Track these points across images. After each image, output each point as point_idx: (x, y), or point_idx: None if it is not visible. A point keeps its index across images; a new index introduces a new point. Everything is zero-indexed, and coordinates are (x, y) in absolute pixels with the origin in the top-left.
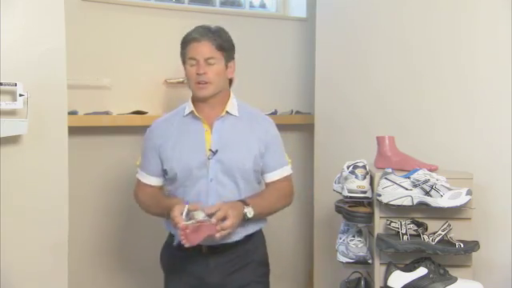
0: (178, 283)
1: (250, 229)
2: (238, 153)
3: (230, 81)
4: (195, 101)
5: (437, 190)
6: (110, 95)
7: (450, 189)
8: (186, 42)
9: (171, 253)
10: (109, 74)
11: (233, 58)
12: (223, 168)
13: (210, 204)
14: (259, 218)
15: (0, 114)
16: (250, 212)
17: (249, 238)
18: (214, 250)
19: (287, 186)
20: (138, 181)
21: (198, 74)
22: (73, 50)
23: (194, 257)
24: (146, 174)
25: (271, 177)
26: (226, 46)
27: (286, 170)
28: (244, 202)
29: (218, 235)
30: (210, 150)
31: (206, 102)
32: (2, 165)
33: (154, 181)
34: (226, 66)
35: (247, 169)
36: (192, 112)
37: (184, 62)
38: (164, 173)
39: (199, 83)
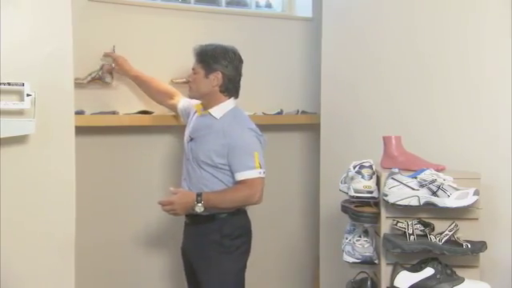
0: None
1: (214, 210)
2: (199, 145)
3: (227, 90)
4: None
5: (444, 190)
6: (117, 95)
7: (457, 189)
8: None
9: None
10: (115, 73)
11: (215, 71)
12: (192, 153)
13: (183, 176)
14: (215, 210)
15: (8, 114)
16: (199, 208)
17: (210, 218)
18: (189, 220)
19: (245, 189)
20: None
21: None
22: (79, 50)
23: (185, 227)
24: (185, 99)
25: (235, 177)
26: (205, 60)
27: (248, 175)
28: (199, 197)
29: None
30: (189, 136)
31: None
32: (9, 164)
33: (182, 100)
34: (207, 77)
35: (203, 160)
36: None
37: None
38: None
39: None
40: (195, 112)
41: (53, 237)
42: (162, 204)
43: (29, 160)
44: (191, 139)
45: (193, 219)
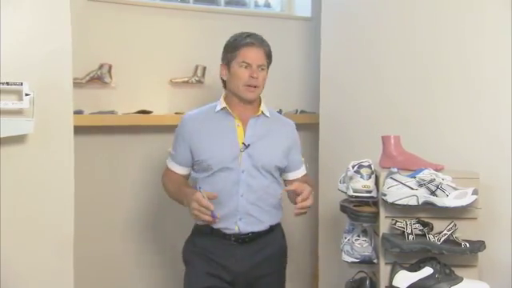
0: (201, 270)
1: (274, 219)
2: (267, 149)
3: None
4: (230, 100)
5: (442, 190)
6: (115, 95)
7: (455, 188)
8: (240, 46)
9: (197, 243)
10: (114, 73)
11: (268, 67)
12: (253, 161)
13: (239, 193)
14: None
15: (7, 114)
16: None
17: (271, 229)
18: (242, 240)
19: (310, 181)
20: (167, 167)
21: (252, 77)
22: (78, 50)
23: (222, 246)
24: (175, 163)
25: (295, 175)
26: (271, 56)
27: (304, 170)
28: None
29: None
30: (243, 143)
31: (242, 102)
32: (8, 164)
33: (181, 170)
34: (267, 74)
35: (273, 165)
36: (224, 109)
37: (229, 64)
38: (195, 163)
39: (250, 86)
40: (234, 122)
41: (52, 236)
42: (305, 199)
43: (27, 160)
44: (247, 146)
45: (244, 237)
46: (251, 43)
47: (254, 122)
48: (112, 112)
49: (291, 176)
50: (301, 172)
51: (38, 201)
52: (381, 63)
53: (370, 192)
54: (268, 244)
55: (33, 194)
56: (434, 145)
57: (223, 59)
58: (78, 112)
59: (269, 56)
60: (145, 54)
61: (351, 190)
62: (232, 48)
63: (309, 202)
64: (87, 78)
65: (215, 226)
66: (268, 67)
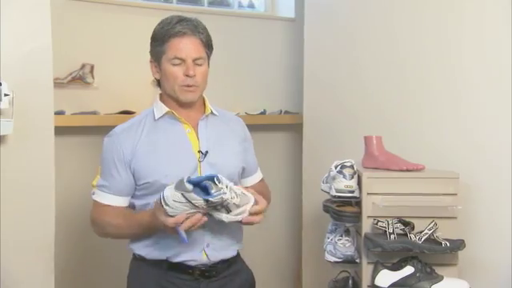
0: None
1: (240, 240)
2: (228, 154)
3: None
4: (168, 103)
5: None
6: (98, 95)
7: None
8: (168, 37)
9: (153, 279)
10: (96, 73)
11: (209, 57)
12: (216, 171)
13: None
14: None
15: None
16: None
17: (237, 256)
18: (207, 274)
19: (267, 186)
20: (98, 204)
21: (187, 75)
22: (60, 50)
23: (184, 282)
24: (113, 194)
25: (253, 179)
26: (210, 44)
27: (260, 173)
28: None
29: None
30: (200, 151)
31: (182, 105)
32: None
33: (122, 201)
34: (208, 66)
35: (238, 170)
36: (167, 114)
37: (158, 60)
38: (137, 188)
39: (188, 86)
40: (182, 128)
41: (32, 237)
42: (258, 213)
43: (7, 161)
44: (205, 154)
45: (212, 268)
46: (182, 32)
47: (204, 124)
48: (94, 112)
49: (249, 181)
50: (258, 176)
51: (17, 203)
52: (364, 63)
53: (352, 192)
54: (237, 272)
55: (12, 196)
56: (415, 145)
57: (151, 55)
58: (59, 112)
59: (207, 45)
60: (127, 53)
61: (334, 190)
62: (160, 40)
63: (257, 219)
64: (69, 78)
65: (175, 260)
66: (209, 59)
